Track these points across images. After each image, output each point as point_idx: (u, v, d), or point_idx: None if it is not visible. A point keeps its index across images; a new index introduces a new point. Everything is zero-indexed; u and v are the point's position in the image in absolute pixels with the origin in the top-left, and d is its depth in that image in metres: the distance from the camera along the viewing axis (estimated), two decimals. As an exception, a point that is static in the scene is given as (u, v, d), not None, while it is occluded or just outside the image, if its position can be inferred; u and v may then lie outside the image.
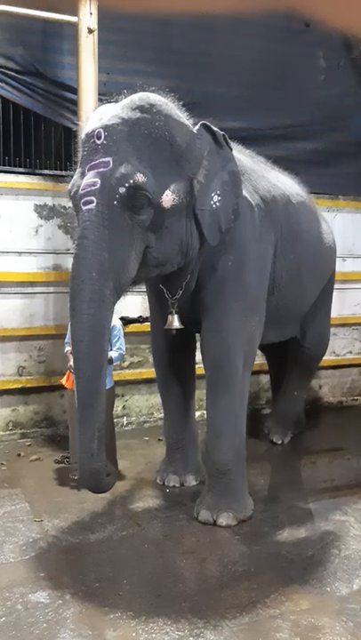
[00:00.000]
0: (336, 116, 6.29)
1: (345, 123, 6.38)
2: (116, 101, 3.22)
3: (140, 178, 2.96)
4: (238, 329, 3.57)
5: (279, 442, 5.06)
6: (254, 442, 4.74)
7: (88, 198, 2.98)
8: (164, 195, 3.06)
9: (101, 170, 2.97)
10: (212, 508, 3.50)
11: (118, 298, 3.13)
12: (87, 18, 4.44)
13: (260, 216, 3.68)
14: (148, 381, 5.36)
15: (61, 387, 4.70)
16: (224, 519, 3.46)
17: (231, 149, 3.41)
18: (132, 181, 2.94)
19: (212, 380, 3.63)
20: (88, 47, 4.47)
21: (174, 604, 2.70)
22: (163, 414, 4.38)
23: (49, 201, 5.11)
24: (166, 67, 5.24)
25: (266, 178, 3.94)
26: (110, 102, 3.27)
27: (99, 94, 4.49)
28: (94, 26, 4.46)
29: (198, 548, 3.25)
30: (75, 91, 4.74)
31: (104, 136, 3.00)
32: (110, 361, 3.86)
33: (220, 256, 3.50)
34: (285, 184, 4.25)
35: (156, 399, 5.41)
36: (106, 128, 3.01)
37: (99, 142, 3.01)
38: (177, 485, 4.04)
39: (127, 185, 2.94)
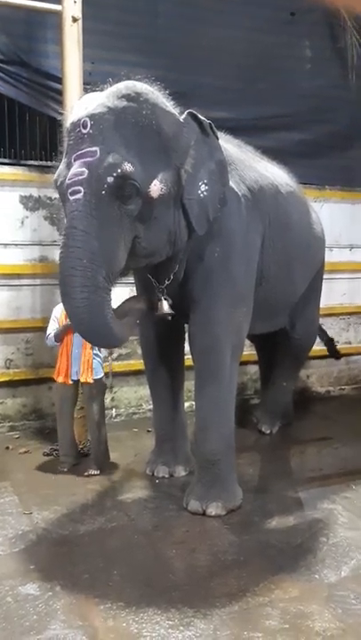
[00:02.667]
0: (323, 107, 6.29)
1: (332, 114, 6.38)
2: (102, 90, 3.19)
3: (128, 167, 2.94)
4: (226, 319, 3.57)
5: (268, 432, 5.08)
6: (243, 432, 4.75)
7: (75, 188, 2.95)
8: (152, 184, 3.04)
9: (88, 159, 2.94)
10: (201, 498, 3.51)
11: (111, 286, 3.10)
12: (71, 6, 4.38)
13: (247, 206, 3.67)
14: (136, 373, 5.35)
15: (50, 379, 4.70)
16: (213, 509, 3.47)
17: (218, 138, 3.40)
18: (120, 171, 2.92)
19: (200, 370, 3.63)
20: (72, 36, 4.41)
21: (165, 594, 2.71)
22: (152, 406, 4.38)
23: (34, 192, 5.07)
24: (153, 56, 5.20)
25: (254, 168, 3.93)
26: (95, 91, 3.24)
27: (84, 84, 4.44)
28: (78, 14, 4.40)
29: (188, 537, 3.26)
30: (59, 80, 4.69)
31: (90, 125, 2.97)
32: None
33: (207, 247, 3.49)
34: (274, 174, 4.23)
35: (145, 391, 5.39)
36: (92, 117, 2.98)
37: (85, 131, 2.98)
38: (166, 476, 4.05)
39: (115, 174, 2.92)
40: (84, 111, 3.04)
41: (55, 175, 3.24)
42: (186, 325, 3.90)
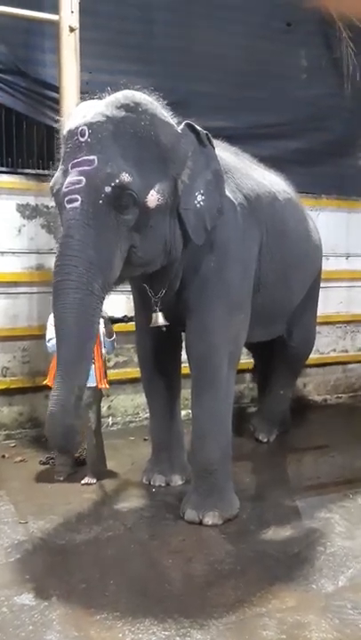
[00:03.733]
0: (319, 116, 6.33)
1: (328, 122, 6.43)
2: (99, 98, 3.20)
3: (126, 177, 2.94)
4: (222, 328, 3.56)
5: (265, 440, 5.07)
6: (240, 440, 4.75)
7: (72, 197, 2.95)
8: (150, 194, 3.05)
9: (86, 168, 2.94)
10: (197, 508, 3.49)
11: (105, 296, 3.09)
12: (69, 16, 4.42)
13: (243, 215, 3.67)
14: (133, 381, 5.35)
15: (46, 387, 4.68)
16: (210, 518, 3.45)
17: (214, 148, 3.41)
18: (118, 181, 2.92)
19: (198, 379, 3.62)
20: (70, 46, 4.45)
21: (161, 604, 2.69)
22: (148, 414, 4.37)
23: (31, 200, 5.08)
24: (149, 65, 5.23)
25: (250, 176, 3.94)
26: (92, 99, 3.24)
27: (81, 93, 4.46)
28: (76, 24, 4.44)
29: (185, 547, 3.24)
30: (57, 89, 4.72)
31: (88, 134, 2.97)
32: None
33: (203, 256, 3.49)
34: (272, 182, 4.24)
35: (142, 399, 5.38)
36: (90, 126, 2.98)
37: (82, 140, 2.98)
38: (163, 485, 4.03)
39: (113, 184, 2.92)
40: (81, 119, 3.04)
41: (51, 182, 3.24)
42: (183, 333, 3.90)
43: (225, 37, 5.66)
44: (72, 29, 4.42)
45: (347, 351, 6.77)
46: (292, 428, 5.37)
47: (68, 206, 2.96)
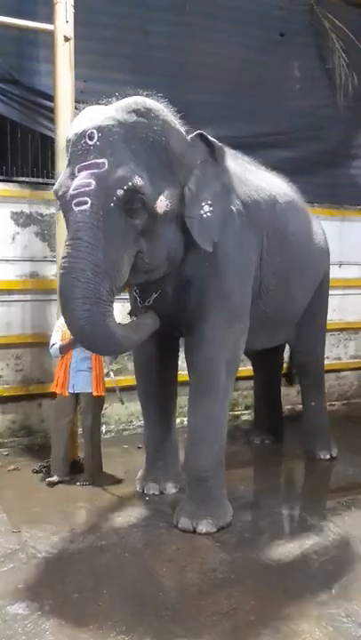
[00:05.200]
0: (312, 126, 6.38)
1: (321, 132, 6.48)
2: (106, 104, 3.21)
3: (138, 181, 2.94)
4: (221, 337, 3.54)
5: (327, 457, 4.87)
6: (234, 448, 4.75)
7: (81, 199, 2.92)
8: (159, 200, 3.06)
9: (95, 171, 2.93)
10: (191, 516, 3.49)
11: (113, 300, 3.05)
12: (63, 26, 4.43)
13: (241, 222, 3.65)
14: (127, 389, 5.33)
15: (39, 395, 4.69)
16: (204, 526, 3.45)
17: (224, 160, 3.37)
18: (130, 184, 2.92)
19: (195, 388, 3.60)
20: (64, 55, 4.46)
21: (155, 613, 2.68)
22: (142, 422, 4.35)
23: (25, 208, 5.08)
24: (144, 75, 5.23)
25: (249, 180, 3.87)
26: (93, 104, 3.23)
27: (75, 102, 4.47)
28: (70, 34, 4.46)
29: (178, 556, 3.23)
30: (51, 98, 4.73)
31: (97, 137, 2.96)
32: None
33: (200, 265, 3.46)
34: (272, 184, 4.19)
35: (136, 407, 5.36)
36: (99, 129, 2.97)
37: (91, 143, 2.96)
38: (156, 494, 4.02)
39: (126, 187, 2.91)
40: (90, 122, 3.02)
41: (56, 185, 3.20)
42: (180, 340, 3.89)
43: (219, 47, 5.71)
44: (67, 39, 4.44)
45: (340, 359, 6.80)
46: (286, 436, 5.37)
47: (77, 209, 2.94)
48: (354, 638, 2.51)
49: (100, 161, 2.93)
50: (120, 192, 2.91)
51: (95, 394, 4.17)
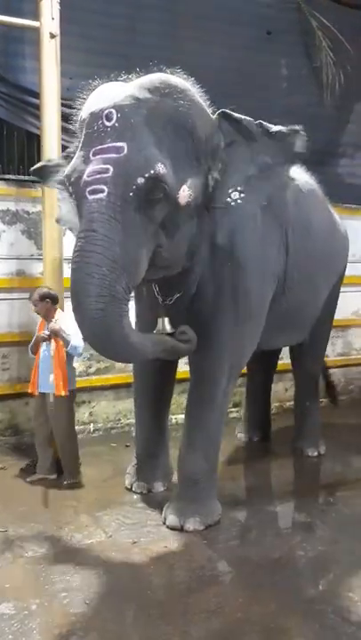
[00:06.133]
0: (299, 124, 6.37)
1: (308, 131, 6.47)
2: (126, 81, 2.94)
3: (161, 169, 2.67)
4: (228, 341, 3.42)
5: (315, 454, 4.89)
6: (222, 446, 4.74)
7: (97, 187, 2.66)
8: (181, 190, 2.80)
9: (113, 156, 2.65)
10: (179, 514, 3.47)
11: (129, 298, 2.79)
12: (49, 22, 4.41)
13: (263, 218, 3.40)
14: (114, 387, 5.33)
15: (26, 395, 4.64)
16: (191, 524, 3.43)
17: (268, 136, 3.06)
18: (152, 172, 2.66)
19: (195, 390, 3.56)
20: (50, 52, 4.43)
21: (143, 612, 2.68)
22: (134, 421, 4.29)
23: (12, 206, 5.05)
24: (131, 73, 5.23)
25: None
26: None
27: (61, 99, 4.46)
28: (56, 31, 4.43)
29: (166, 553, 3.23)
30: (37, 95, 4.70)
31: (116, 118, 2.68)
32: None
33: (220, 262, 3.28)
34: (292, 172, 3.84)
35: (124, 405, 5.38)
36: (119, 109, 2.69)
37: (109, 124, 2.68)
38: (145, 492, 4.01)
39: (147, 175, 2.65)
40: (107, 102, 2.73)
41: (67, 170, 2.89)
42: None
43: (206, 46, 5.70)
44: (53, 36, 4.41)
45: (327, 356, 6.80)
46: (274, 434, 5.38)
47: (91, 197, 2.67)
48: (341, 635, 2.52)
49: (119, 145, 2.66)
50: (141, 180, 2.64)
51: (56, 394, 4.04)
